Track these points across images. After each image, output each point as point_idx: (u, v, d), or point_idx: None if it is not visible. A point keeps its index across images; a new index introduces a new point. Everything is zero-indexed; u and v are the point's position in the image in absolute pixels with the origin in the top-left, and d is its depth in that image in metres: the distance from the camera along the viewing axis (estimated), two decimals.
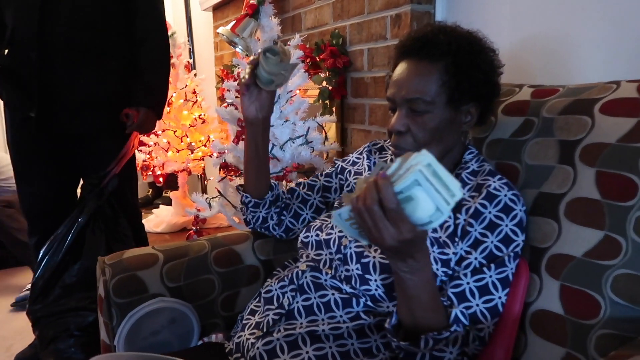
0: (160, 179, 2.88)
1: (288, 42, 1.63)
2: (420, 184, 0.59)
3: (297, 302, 0.88)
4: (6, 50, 1.64)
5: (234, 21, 1.57)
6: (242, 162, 1.59)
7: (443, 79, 0.86)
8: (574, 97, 0.88)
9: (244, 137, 1.59)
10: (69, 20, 1.61)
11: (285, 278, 0.94)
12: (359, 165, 1.07)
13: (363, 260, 0.85)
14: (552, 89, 0.95)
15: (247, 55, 1.62)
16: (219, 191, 1.68)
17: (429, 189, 0.59)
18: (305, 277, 0.90)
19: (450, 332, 0.73)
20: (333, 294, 0.85)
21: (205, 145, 2.91)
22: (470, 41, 0.89)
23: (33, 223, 1.78)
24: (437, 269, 0.81)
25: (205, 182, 3.35)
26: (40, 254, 1.62)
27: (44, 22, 1.58)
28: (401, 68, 0.90)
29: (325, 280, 0.88)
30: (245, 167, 1.10)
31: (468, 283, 0.80)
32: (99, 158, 1.76)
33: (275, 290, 0.94)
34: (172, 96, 2.88)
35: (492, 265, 0.80)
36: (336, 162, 1.12)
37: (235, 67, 1.75)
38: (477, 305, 0.79)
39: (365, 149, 1.10)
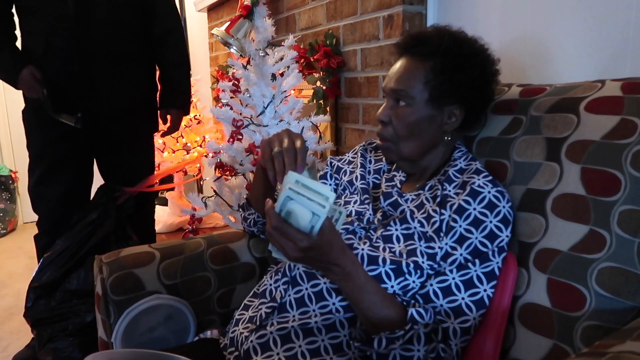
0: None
1: (282, 43, 1.65)
2: (292, 198, 0.70)
3: (290, 295, 0.90)
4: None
5: (229, 22, 1.59)
6: (237, 162, 1.61)
7: (427, 78, 0.90)
8: (561, 96, 0.90)
9: (239, 137, 1.61)
10: (104, 28, 1.63)
11: (279, 272, 0.96)
12: (354, 165, 1.08)
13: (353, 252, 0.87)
14: (540, 88, 0.97)
15: (241, 55, 1.63)
16: (214, 190, 1.69)
17: (301, 200, 0.70)
18: (298, 269, 0.92)
19: (405, 331, 0.76)
20: (325, 283, 0.88)
21: (200, 146, 2.92)
22: (462, 44, 0.92)
23: (45, 226, 1.79)
24: (423, 262, 0.84)
25: (201, 183, 3.36)
26: (41, 263, 1.62)
27: (80, 32, 1.59)
28: (397, 63, 0.96)
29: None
30: (256, 198, 1.10)
31: (454, 278, 0.83)
32: (128, 165, 1.83)
33: (270, 285, 0.96)
34: None
35: (477, 260, 0.83)
36: (332, 160, 1.13)
37: (230, 67, 1.76)
38: (463, 298, 0.82)
39: (361, 148, 1.12)
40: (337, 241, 0.77)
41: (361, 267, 0.81)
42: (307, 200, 0.70)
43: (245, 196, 1.15)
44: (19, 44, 1.69)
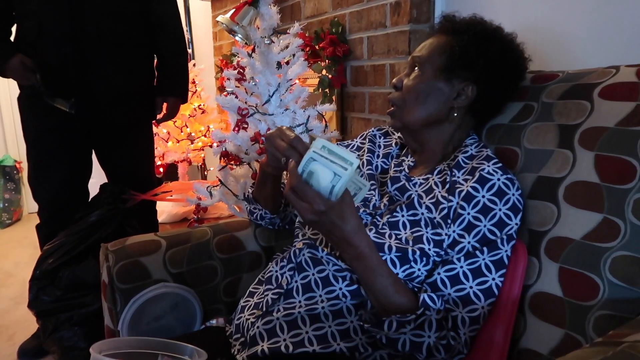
0: (161, 169, 2.88)
1: (287, 31, 1.63)
2: (315, 159, 0.72)
3: (296, 281, 0.89)
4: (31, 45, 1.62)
5: (234, 9, 1.57)
6: (243, 151, 1.60)
7: (444, 49, 0.92)
8: (574, 82, 0.89)
9: (244, 126, 1.60)
10: (98, 12, 1.61)
11: (284, 258, 0.96)
12: (362, 151, 1.07)
13: None
14: (552, 74, 0.95)
15: (246, 43, 1.62)
16: (219, 180, 1.68)
17: (324, 162, 0.72)
18: (303, 255, 0.91)
19: (416, 315, 0.75)
20: (331, 268, 0.87)
21: (205, 136, 2.91)
22: (486, 28, 0.94)
23: (45, 215, 1.79)
24: (429, 249, 0.83)
25: (206, 172, 3.36)
26: (42, 254, 1.62)
27: (73, 15, 1.58)
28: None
29: (322, 256, 0.90)
30: (265, 197, 1.10)
31: (462, 267, 0.82)
32: (127, 153, 1.83)
33: (276, 271, 0.95)
34: None
35: (485, 249, 0.82)
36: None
37: (235, 56, 1.74)
38: (471, 287, 0.81)
39: (370, 134, 1.11)
40: (352, 218, 0.76)
41: (375, 251, 0.80)
42: (330, 163, 0.71)
43: (250, 190, 1.14)
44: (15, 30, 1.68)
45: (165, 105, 1.90)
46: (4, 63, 1.58)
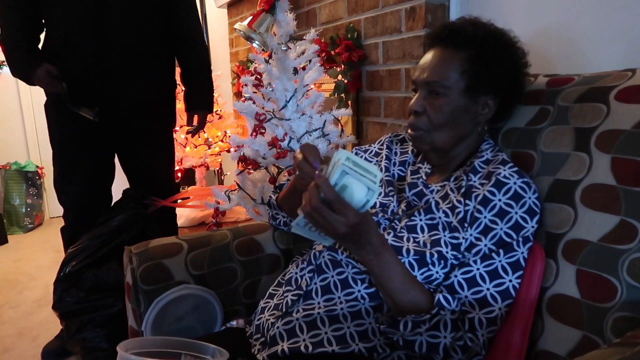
0: (179, 174, 2.92)
1: (304, 37, 1.65)
2: (347, 172, 0.71)
3: (315, 283, 0.91)
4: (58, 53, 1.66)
5: (251, 17, 1.59)
6: (260, 156, 1.62)
7: (464, 67, 0.90)
8: (589, 85, 0.89)
9: (262, 131, 1.62)
10: (123, 24, 1.66)
11: (304, 261, 0.97)
12: (380, 157, 1.09)
13: None
14: (568, 78, 0.95)
15: (263, 50, 1.64)
16: (237, 184, 1.71)
17: (355, 175, 0.71)
18: (323, 257, 0.93)
19: (431, 315, 0.77)
20: (350, 271, 0.89)
21: (222, 141, 2.94)
22: (497, 36, 0.93)
23: (70, 218, 1.85)
24: (447, 252, 0.84)
25: (222, 177, 3.39)
26: (66, 256, 1.66)
27: (98, 26, 1.62)
28: (429, 54, 0.95)
29: (341, 259, 0.91)
30: (288, 203, 1.12)
31: (478, 269, 0.83)
32: (148, 160, 1.87)
33: (295, 273, 0.97)
34: None
35: (501, 251, 0.83)
36: (357, 152, 1.13)
37: (252, 62, 1.77)
38: (488, 289, 0.82)
39: (387, 140, 1.12)
40: (372, 222, 0.79)
41: (390, 247, 0.83)
42: (361, 176, 0.71)
43: (273, 196, 1.16)
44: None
45: (195, 117, 1.96)
46: (31, 72, 1.62)
